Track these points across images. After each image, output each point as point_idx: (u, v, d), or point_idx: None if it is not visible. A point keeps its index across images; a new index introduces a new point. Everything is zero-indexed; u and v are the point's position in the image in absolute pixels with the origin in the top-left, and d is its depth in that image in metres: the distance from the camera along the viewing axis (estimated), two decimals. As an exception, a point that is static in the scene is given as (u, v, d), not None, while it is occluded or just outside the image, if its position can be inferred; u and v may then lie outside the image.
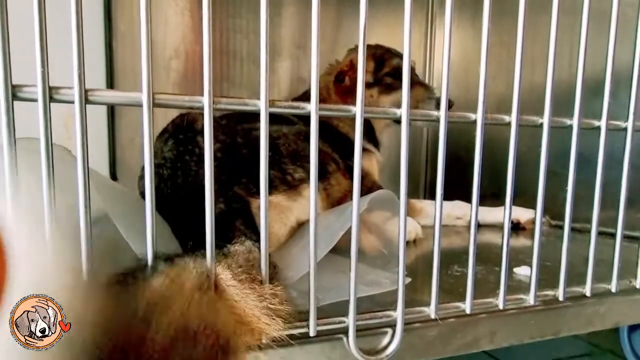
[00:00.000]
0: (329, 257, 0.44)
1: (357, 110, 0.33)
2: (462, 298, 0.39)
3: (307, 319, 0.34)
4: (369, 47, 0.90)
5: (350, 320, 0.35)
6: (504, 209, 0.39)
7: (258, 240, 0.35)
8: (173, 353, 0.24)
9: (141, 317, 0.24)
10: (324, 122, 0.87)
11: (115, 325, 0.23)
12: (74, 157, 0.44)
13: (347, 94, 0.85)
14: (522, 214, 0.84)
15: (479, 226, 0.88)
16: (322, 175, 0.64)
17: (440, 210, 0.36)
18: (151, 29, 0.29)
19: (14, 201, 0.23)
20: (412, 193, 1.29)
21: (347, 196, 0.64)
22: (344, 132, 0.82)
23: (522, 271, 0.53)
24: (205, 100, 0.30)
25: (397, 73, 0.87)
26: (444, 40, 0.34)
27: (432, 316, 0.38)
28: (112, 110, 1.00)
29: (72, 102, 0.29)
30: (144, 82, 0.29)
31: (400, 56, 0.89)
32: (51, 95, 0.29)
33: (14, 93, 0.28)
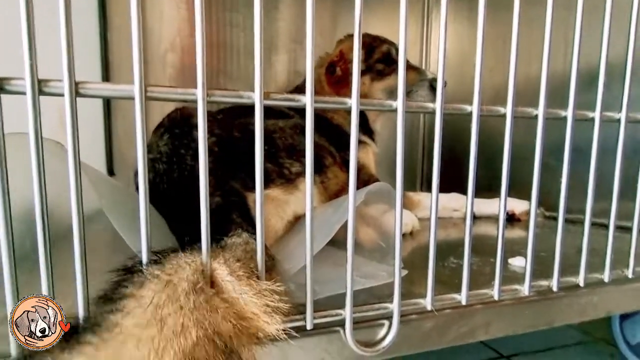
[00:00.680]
0: (327, 250, 0.44)
1: (353, 102, 0.32)
2: (458, 289, 0.39)
3: (304, 312, 0.34)
4: None
5: (347, 313, 0.35)
6: (499, 200, 0.39)
7: (255, 232, 0.35)
8: None
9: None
10: (318, 115, 0.87)
11: None
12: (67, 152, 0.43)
13: (339, 84, 0.85)
14: (517, 206, 0.84)
15: (475, 218, 0.89)
16: (319, 169, 0.64)
17: (436, 202, 0.36)
18: (144, 21, 0.28)
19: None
20: (409, 186, 1.30)
21: (344, 189, 0.64)
22: (338, 123, 0.82)
23: (516, 262, 0.53)
24: (199, 93, 0.30)
25: (387, 59, 0.87)
26: (440, 31, 0.34)
27: (428, 308, 0.38)
28: (108, 105, 0.98)
29: (62, 95, 0.28)
30: (136, 74, 0.28)
31: (388, 42, 0.89)
32: (40, 88, 0.28)
33: (1, 86, 0.28)
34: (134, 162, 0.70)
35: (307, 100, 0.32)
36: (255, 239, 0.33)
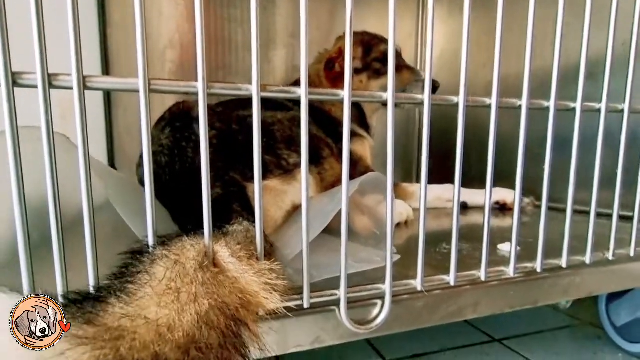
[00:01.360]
0: (324, 237, 0.46)
1: (345, 94, 0.34)
2: (449, 272, 0.42)
3: (302, 293, 0.36)
4: (357, 34, 0.91)
5: (341, 293, 0.37)
6: (486, 189, 0.42)
7: (255, 221, 0.37)
8: (197, 338, 0.25)
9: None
10: (317, 108, 0.88)
11: None
12: (72, 144, 0.45)
13: (338, 80, 0.87)
14: (509, 196, 0.87)
15: (469, 207, 0.91)
16: (317, 160, 0.66)
17: (425, 188, 0.38)
18: (145, 17, 0.30)
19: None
20: (405, 177, 1.32)
21: (340, 180, 0.65)
22: (337, 116, 0.84)
23: (506, 247, 0.55)
24: (200, 85, 0.31)
25: (385, 58, 0.89)
26: (427, 26, 0.36)
27: (419, 288, 0.40)
28: (109, 100, 1.00)
29: (71, 88, 0.30)
30: (140, 68, 0.30)
31: (387, 41, 0.90)
32: (50, 81, 0.30)
33: (15, 80, 0.29)
34: (135, 156, 0.72)
35: (301, 92, 0.33)
36: (255, 227, 0.35)
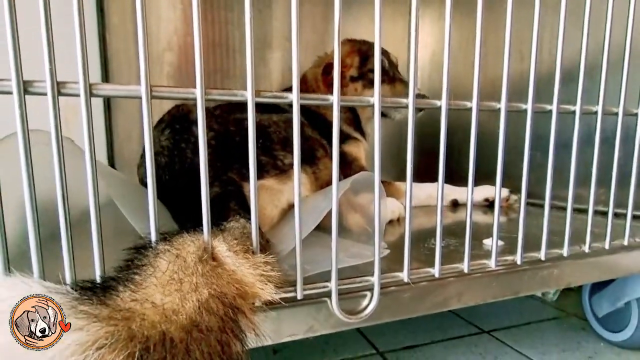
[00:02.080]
0: (317, 234, 0.49)
1: (334, 98, 0.37)
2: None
3: (296, 285, 0.38)
4: (355, 42, 0.93)
5: (332, 285, 0.40)
6: (468, 187, 0.44)
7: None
8: (199, 322, 0.27)
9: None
10: (314, 112, 0.91)
11: None
12: (77, 146, 0.47)
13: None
14: (497, 193, 0.90)
15: (459, 205, 0.94)
16: (311, 160, 0.68)
17: (411, 186, 0.41)
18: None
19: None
20: (399, 177, 1.34)
21: (334, 179, 0.68)
22: (332, 120, 0.86)
23: (490, 242, 0.58)
24: (198, 92, 0.34)
25: (381, 69, 0.90)
26: (410, 30, 0.38)
27: (405, 280, 0.43)
28: (108, 104, 1.02)
29: (78, 96, 0.32)
30: (142, 76, 0.32)
31: (383, 52, 0.93)
32: (59, 89, 0.32)
33: (26, 88, 0.32)
34: (134, 158, 0.74)
35: (293, 97, 0.36)
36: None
